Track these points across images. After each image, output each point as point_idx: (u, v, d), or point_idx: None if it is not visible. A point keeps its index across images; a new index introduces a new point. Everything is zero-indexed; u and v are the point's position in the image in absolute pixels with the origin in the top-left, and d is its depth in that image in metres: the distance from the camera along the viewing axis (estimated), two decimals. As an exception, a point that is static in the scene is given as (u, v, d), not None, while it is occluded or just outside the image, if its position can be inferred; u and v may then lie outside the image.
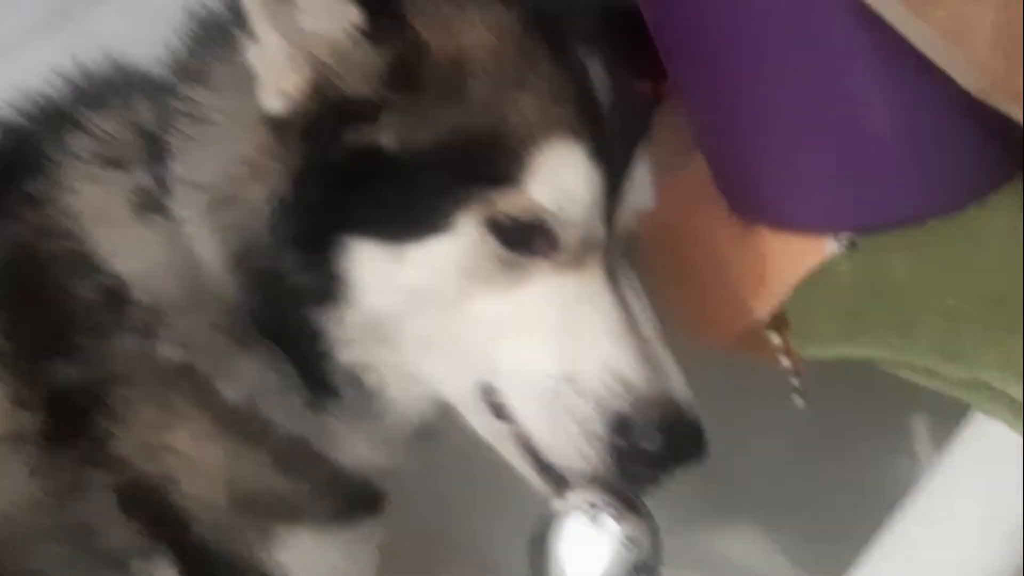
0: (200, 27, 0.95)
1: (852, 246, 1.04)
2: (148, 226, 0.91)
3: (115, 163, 0.94)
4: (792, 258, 1.08)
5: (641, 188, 0.94)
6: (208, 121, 0.90)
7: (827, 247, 1.05)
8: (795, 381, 1.18)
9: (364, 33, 0.82)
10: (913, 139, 0.99)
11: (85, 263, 0.91)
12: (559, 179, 0.84)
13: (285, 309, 0.88)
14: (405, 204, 0.83)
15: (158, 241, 0.90)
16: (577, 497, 0.86)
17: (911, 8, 0.84)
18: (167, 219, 0.91)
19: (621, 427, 0.84)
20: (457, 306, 0.86)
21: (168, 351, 0.90)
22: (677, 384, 0.88)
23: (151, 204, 0.91)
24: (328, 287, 0.86)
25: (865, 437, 1.15)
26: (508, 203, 0.83)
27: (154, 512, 0.89)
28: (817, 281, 1.06)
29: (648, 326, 0.90)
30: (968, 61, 0.85)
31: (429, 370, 0.91)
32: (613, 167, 0.88)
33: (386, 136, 0.83)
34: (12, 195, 0.93)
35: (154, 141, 0.92)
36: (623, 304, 0.88)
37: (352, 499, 0.97)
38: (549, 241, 0.86)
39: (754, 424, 1.24)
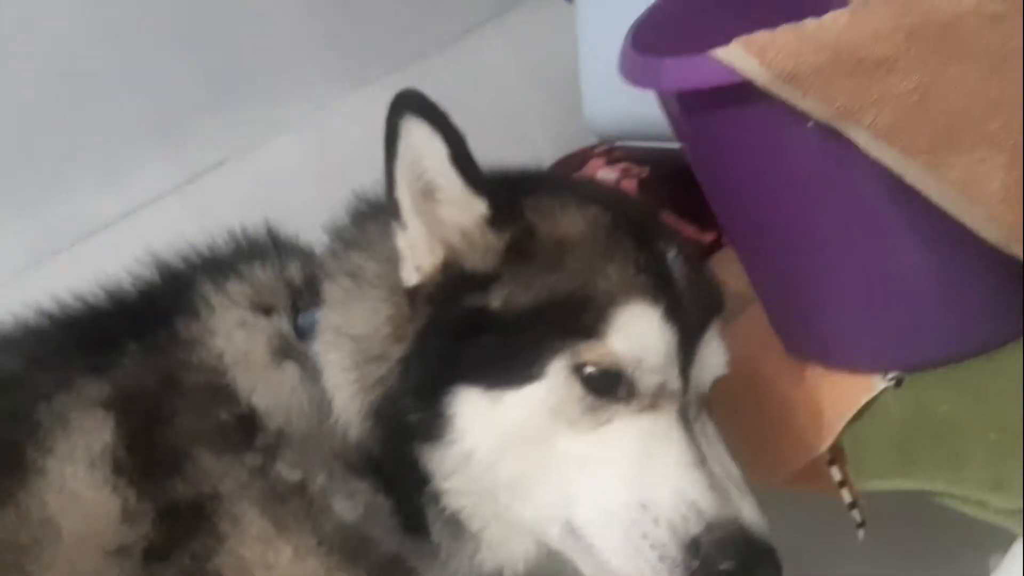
0: (365, 206, 1.11)
1: (898, 384, 1.11)
2: (283, 370, 1.02)
3: (265, 309, 1.06)
4: (844, 395, 1.15)
5: (717, 357, 1.04)
6: (367, 282, 1.04)
7: (875, 384, 1.12)
8: (856, 514, 1.23)
9: (488, 221, 0.99)
10: (951, 288, 1.06)
11: (224, 393, 1.01)
12: (636, 333, 0.96)
13: (398, 444, 0.98)
14: (505, 355, 0.96)
15: (290, 383, 1.02)
16: None
17: (929, 172, 0.94)
18: (300, 365, 1.02)
19: (694, 549, 0.90)
20: (545, 446, 0.95)
21: (286, 471, 0.98)
22: (749, 511, 0.93)
23: (287, 351, 1.03)
24: (436, 426, 0.97)
25: (915, 566, 1.18)
26: (592, 353, 0.95)
27: None
28: (868, 417, 1.13)
29: (720, 464, 0.97)
30: (984, 216, 0.94)
31: (520, 516, 0.98)
32: (687, 330, 0.99)
33: (495, 299, 0.97)
34: (164, 333, 1.04)
35: (299, 295, 1.06)
36: (694, 443, 0.96)
37: None
38: (627, 387, 0.96)
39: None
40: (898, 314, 1.09)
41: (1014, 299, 1.07)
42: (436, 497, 0.99)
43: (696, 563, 0.90)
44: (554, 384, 0.95)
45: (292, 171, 1.65)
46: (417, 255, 1.00)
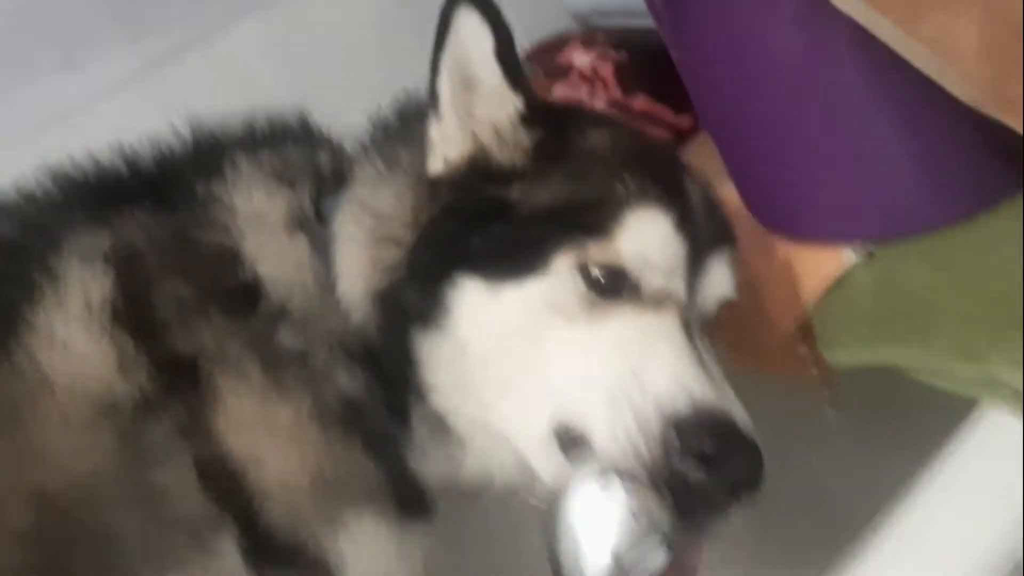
0: (413, 106, 1.11)
1: (869, 256, 1.10)
2: (294, 241, 1.02)
3: (288, 181, 1.06)
4: (815, 271, 1.14)
5: (725, 279, 1.04)
6: (400, 168, 1.05)
7: (845, 257, 1.11)
8: (826, 391, 1.23)
9: (521, 118, 1.02)
10: (922, 153, 1.05)
11: (231, 256, 1.00)
12: (645, 236, 0.96)
13: (395, 332, 0.98)
14: (512, 248, 0.96)
15: (299, 257, 1.02)
16: (589, 468, 0.88)
17: (901, 27, 0.91)
18: (312, 241, 1.03)
19: (677, 428, 0.88)
20: (539, 339, 0.94)
21: (288, 339, 0.98)
22: (740, 414, 0.92)
23: (304, 224, 1.03)
24: (433, 312, 0.97)
25: (882, 439, 1.19)
26: (599, 252, 0.95)
27: (229, 490, 0.93)
28: (839, 291, 1.12)
29: (716, 373, 0.95)
30: (958, 73, 0.91)
31: (506, 415, 0.97)
32: (697, 246, 1.00)
33: (513, 193, 0.99)
34: (181, 191, 1.04)
35: (324, 182, 1.07)
36: (693, 345, 0.95)
37: (412, 501, 1.02)
38: (631, 289, 0.96)
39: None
40: (871, 184, 1.08)
41: (986, 168, 1.06)
42: (423, 393, 0.99)
43: (676, 441, 0.88)
44: (558, 279, 0.95)
45: (257, 57, 1.61)
46: (447, 146, 1.02)
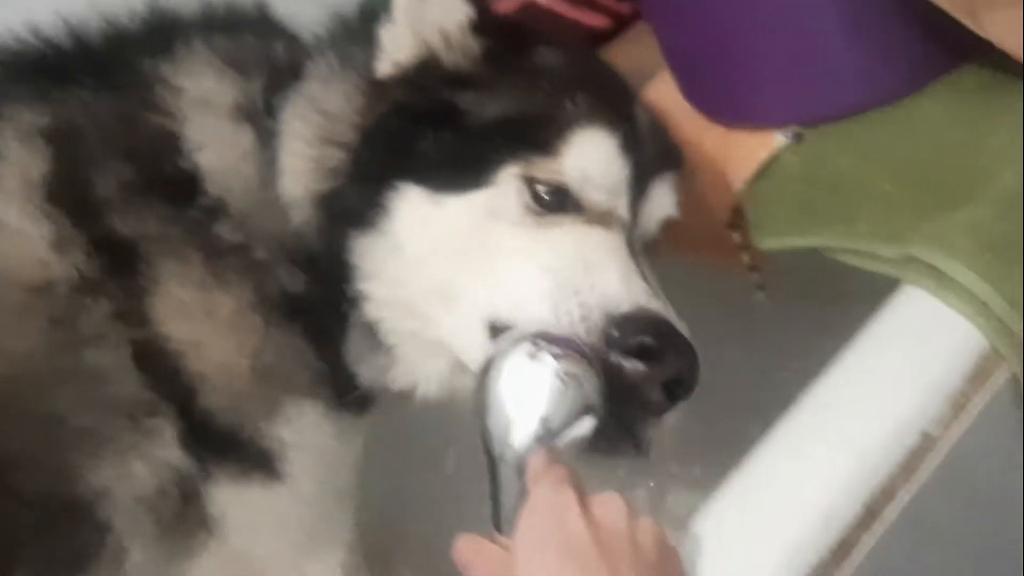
0: (369, 4, 1.09)
1: (798, 138, 1.11)
2: (239, 131, 1.00)
3: (241, 68, 1.03)
4: (745, 155, 1.15)
5: (668, 199, 1.05)
6: (353, 68, 1.03)
7: (775, 141, 1.12)
8: (756, 277, 1.25)
9: (472, 26, 1.01)
10: (851, 37, 1.06)
11: (173, 142, 0.98)
12: (590, 154, 0.97)
13: (334, 235, 0.97)
14: (458, 159, 0.96)
15: (242, 148, 1.00)
16: (517, 335, 0.88)
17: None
18: (258, 134, 1.00)
19: (618, 325, 0.89)
20: (480, 246, 0.94)
21: (227, 232, 0.96)
22: (681, 326, 0.93)
23: (251, 115, 1.01)
24: (373, 215, 0.96)
25: (809, 320, 1.22)
26: (544, 168, 0.95)
27: (166, 373, 0.93)
28: (768, 175, 1.14)
29: (656, 288, 0.96)
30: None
31: (439, 319, 0.97)
32: (641, 168, 1.00)
33: (462, 100, 0.98)
34: (128, 71, 1.01)
35: (279, 74, 1.04)
36: (636, 261, 0.96)
37: (350, 395, 1.02)
38: (575, 205, 0.96)
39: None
40: (801, 66, 1.09)
41: (913, 52, 1.06)
42: (358, 301, 0.98)
43: (616, 332, 0.89)
44: (501, 191, 0.95)
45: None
46: (396, 49, 1.01)
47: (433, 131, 0.97)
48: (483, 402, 0.87)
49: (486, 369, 0.87)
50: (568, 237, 0.95)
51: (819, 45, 1.07)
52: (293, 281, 0.98)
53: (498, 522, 0.85)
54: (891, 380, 0.94)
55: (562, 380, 0.85)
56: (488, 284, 0.95)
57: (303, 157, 1.00)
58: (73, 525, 0.90)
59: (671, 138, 1.11)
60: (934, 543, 0.98)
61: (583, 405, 0.86)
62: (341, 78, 1.03)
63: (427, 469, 1.31)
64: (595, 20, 1.40)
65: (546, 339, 0.87)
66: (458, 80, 0.99)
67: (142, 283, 0.93)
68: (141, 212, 0.95)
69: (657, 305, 0.92)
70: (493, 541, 0.83)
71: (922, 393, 0.93)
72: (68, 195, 0.94)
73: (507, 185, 0.95)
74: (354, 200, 0.97)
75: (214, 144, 0.99)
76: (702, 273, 1.31)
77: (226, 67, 1.03)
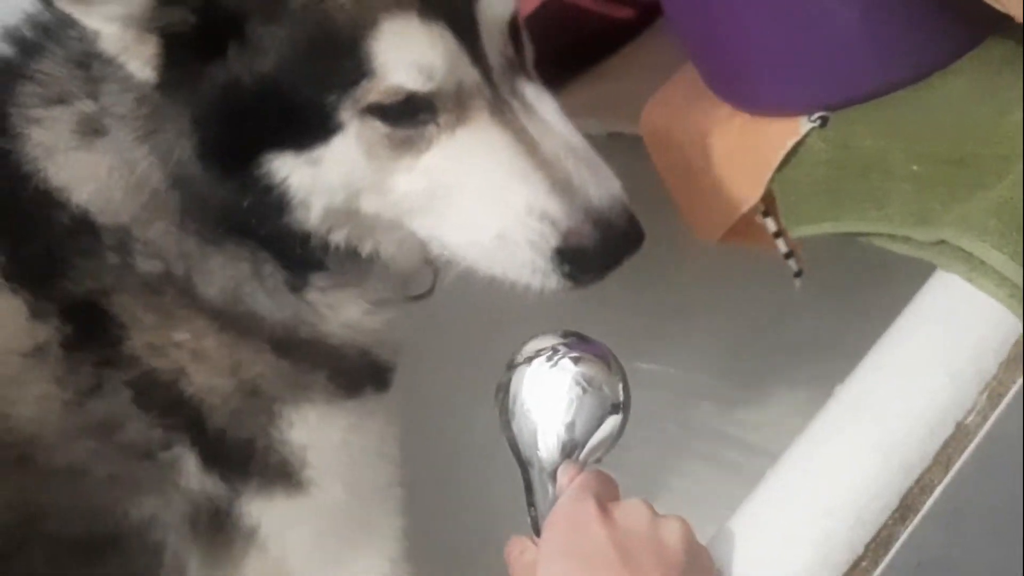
0: None
1: (823, 123, 1.09)
2: (92, 151, 0.96)
3: (58, 100, 0.97)
4: (772, 142, 1.13)
5: (500, 5, 0.90)
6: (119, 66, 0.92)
7: (801, 127, 1.10)
8: (792, 264, 1.23)
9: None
10: (872, 16, 1.03)
11: (51, 199, 0.95)
12: (403, 56, 0.86)
13: (252, 226, 0.93)
14: (294, 119, 0.88)
15: (104, 163, 0.95)
16: (538, 343, 0.88)
17: None
18: (111, 140, 0.95)
19: (559, 257, 0.88)
20: (384, 189, 0.90)
21: (146, 264, 0.95)
22: (595, 188, 0.89)
23: (94, 129, 0.96)
24: (275, 202, 0.91)
25: (846, 307, 1.20)
26: (373, 93, 0.86)
27: (168, 404, 0.94)
28: (796, 161, 1.12)
29: (554, 138, 0.90)
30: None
31: (398, 234, 0.94)
32: (453, 9, 0.88)
33: (239, 70, 0.88)
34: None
35: (90, 69, 0.96)
36: (521, 136, 0.89)
37: (355, 375, 1.00)
38: (427, 108, 0.88)
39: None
40: (822, 50, 1.06)
41: (936, 29, 1.03)
42: (314, 245, 0.95)
43: (567, 267, 0.89)
44: (353, 131, 0.88)
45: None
46: (130, 54, 0.89)
47: (247, 113, 0.88)
48: (507, 412, 0.88)
49: (508, 377, 0.88)
50: (449, 165, 0.89)
51: (840, 26, 1.04)
52: (215, 284, 0.95)
53: (536, 527, 0.86)
54: (923, 370, 0.92)
55: (583, 386, 0.86)
56: (422, 226, 0.92)
57: (151, 156, 0.94)
58: (127, 553, 0.93)
59: None
60: (971, 534, 0.96)
61: (607, 406, 0.87)
62: (128, 78, 0.92)
63: (484, 466, 1.33)
64: (620, 12, 1.39)
65: (566, 344, 0.88)
66: (210, 43, 0.87)
67: (115, 332, 0.94)
68: (77, 270, 0.94)
69: (570, 198, 0.88)
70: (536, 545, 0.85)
71: (956, 382, 0.91)
72: (15, 270, 0.94)
73: (354, 124, 0.88)
74: (244, 197, 0.91)
75: (78, 176, 0.95)
76: (739, 261, 1.30)
77: (46, 110, 0.97)
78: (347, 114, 0.88)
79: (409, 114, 0.88)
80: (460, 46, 0.88)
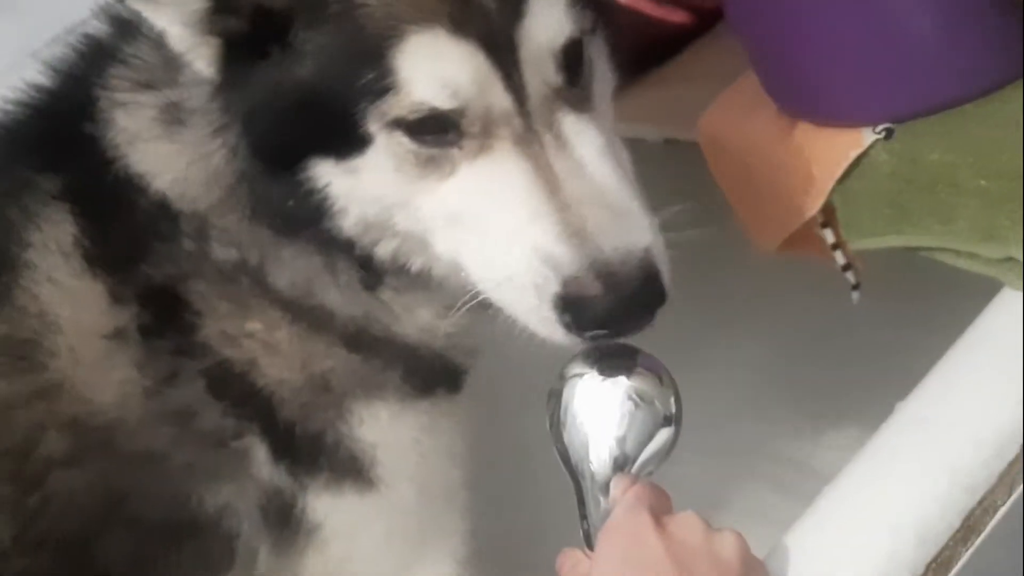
0: None
1: (888, 135, 1.07)
2: (174, 140, 0.96)
3: (146, 85, 0.98)
4: (835, 153, 1.12)
5: (546, 23, 0.85)
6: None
7: (865, 138, 1.09)
8: (851, 276, 1.22)
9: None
10: (939, 30, 1.02)
11: (135, 183, 0.96)
12: (428, 70, 0.84)
13: (301, 225, 0.93)
14: (331, 126, 0.88)
15: (184, 152, 0.96)
16: (590, 354, 0.87)
17: None
18: (190, 131, 0.95)
19: (562, 307, 0.84)
20: (410, 207, 0.89)
21: (221, 252, 0.95)
22: (610, 241, 0.84)
23: (178, 118, 0.96)
24: (316, 206, 0.91)
25: (907, 323, 1.18)
26: (399, 107, 0.85)
27: (241, 394, 0.94)
28: (858, 173, 1.10)
29: (584, 180, 0.86)
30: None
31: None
32: (491, 29, 0.84)
33: (280, 73, 0.88)
34: (76, 138, 0.99)
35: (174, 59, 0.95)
36: (542, 173, 0.86)
37: (428, 376, 0.99)
38: (454, 128, 0.86)
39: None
40: (890, 61, 1.05)
41: (1007, 42, 1.02)
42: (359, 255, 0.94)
43: (567, 316, 0.84)
44: (383, 144, 0.87)
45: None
46: (194, 53, 0.90)
47: (294, 113, 0.88)
48: (560, 426, 0.88)
49: (560, 386, 0.88)
50: (469, 192, 0.87)
51: (911, 37, 1.03)
52: (288, 276, 0.95)
53: (589, 539, 0.86)
54: (990, 390, 0.91)
55: (635, 401, 0.86)
56: (445, 250, 0.91)
57: (223, 150, 0.94)
58: (203, 540, 0.94)
59: None
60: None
61: (659, 420, 0.86)
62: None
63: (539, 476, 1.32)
64: (678, 17, 1.37)
65: (618, 357, 0.87)
66: (257, 41, 0.87)
67: (190, 319, 0.95)
68: (157, 255, 0.96)
69: (579, 246, 0.83)
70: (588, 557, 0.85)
71: (1021, 404, 0.90)
72: (98, 254, 0.96)
73: (383, 139, 0.87)
74: (291, 199, 0.91)
75: (160, 165, 0.96)
76: (796, 273, 1.28)
77: (134, 95, 0.98)
78: (375, 126, 0.87)
79: (433, 132, 0.86)
80: (493, 68, 0.84)
